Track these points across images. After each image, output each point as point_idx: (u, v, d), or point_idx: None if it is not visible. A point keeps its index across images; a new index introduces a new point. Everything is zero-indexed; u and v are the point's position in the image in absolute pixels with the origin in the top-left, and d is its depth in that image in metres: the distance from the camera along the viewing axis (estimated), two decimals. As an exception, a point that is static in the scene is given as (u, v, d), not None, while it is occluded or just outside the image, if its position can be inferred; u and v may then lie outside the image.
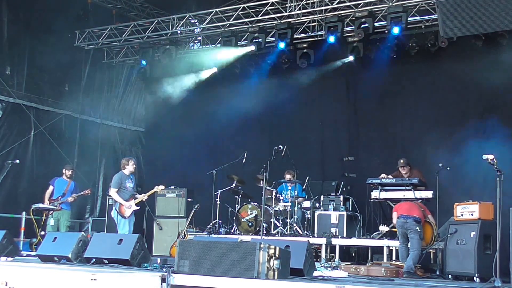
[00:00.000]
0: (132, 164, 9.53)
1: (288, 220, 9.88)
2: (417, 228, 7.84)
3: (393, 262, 8.33)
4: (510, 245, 5.91)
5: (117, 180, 9.37)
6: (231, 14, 11.99)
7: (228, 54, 12.55)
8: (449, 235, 7.58)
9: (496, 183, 6.09)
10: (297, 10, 11.39)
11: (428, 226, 8.22)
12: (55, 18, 12.72)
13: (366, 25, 10.84)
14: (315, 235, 9.64)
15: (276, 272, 5.22)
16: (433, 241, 8.13)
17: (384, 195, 9.20)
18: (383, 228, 8.92)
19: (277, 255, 5.25)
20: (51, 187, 10.39)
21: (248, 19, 11.86)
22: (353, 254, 9.97)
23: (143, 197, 9.41)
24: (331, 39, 11.10)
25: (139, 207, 9.43)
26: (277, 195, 10.23)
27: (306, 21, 11.84)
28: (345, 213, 9.73)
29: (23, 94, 12.75)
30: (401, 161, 9.31)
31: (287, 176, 10.55)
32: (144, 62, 13.48)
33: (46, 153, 12.91)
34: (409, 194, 8.87)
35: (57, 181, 10.47)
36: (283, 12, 11.50)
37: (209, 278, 5.16)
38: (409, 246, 8.00)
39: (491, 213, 7.22)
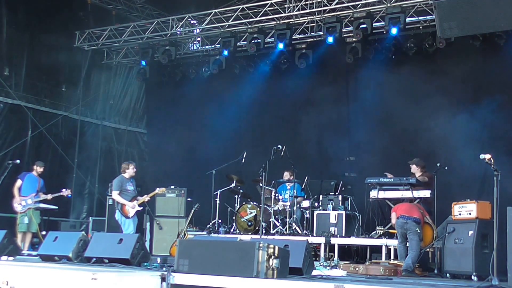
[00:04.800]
0: (132, 168, 9.64)
1: (287, 220, 9.91)
2: (417, 229, 7.87)
3: (392, 261, 8.36)
4: (508, 244, 5.93)
5: (118, 183, 9.50)
6: (230, 15, 12.03)
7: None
8: (447, 234, 7.61)
9: (494, 182, 6.14)
10: (296, 11, 11.43)
11: (428, 227, 8.23)
12: (54, 19, 12.77)
13: (365, 25, 10.90)
14: (314, 234, 9.66)
15: (275, 271, 5.25)
16: (433, 242, 8.15)
17: (383, 194, 9.22)
18: (380, 230, 8.92)
19: (276, 254, 5.28)
20: (19, 181, 10.16)
21: (247, 20, 11.90)
22: (352, 253, 10.00)
23: (145, 198, 9.53)
24: (330, 39, 11.17)
25: (141, 208, 9.55)
26: (276, 195, 10.27)
27: (304, 22, 11.88)
28: (344, 212, 9.76)
29: (22, 94, 12.78)
30: (409, 163, 9.19)
31: (286, 175, 10.60)
32: (143, 63, 13.50)
33: (44, 154, 12.93)
34: (407, 194, 8.89)
35: (28, 177, 10.24)
36: (282, 13, 11.55)
37: (209, 277, 5.20)
38: (408, 245, 8.04)
39: (488, 212, 7.25)
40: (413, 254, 7.73)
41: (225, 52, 12.38)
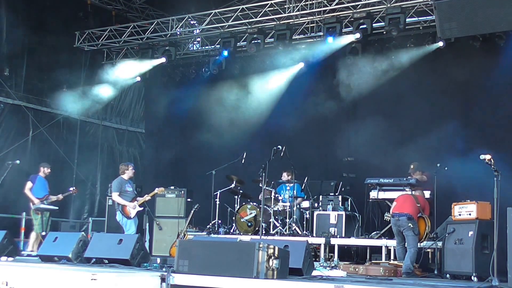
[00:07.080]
0: (131, 169, 9.67)
1: (287, 220, 9.92)
2: (410, 224, 7.78)
3: (392, 261, 8.36)
4: (508, 245, 5.94)
5: (117, 184, 9.53)
6: (230, 15, 12.03)
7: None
8: (447, 235, 7.62)
9: (494, 183, 6.14)
10: (296, 11, 11.43)
11: (422, 221, 8.09)
12: (54, 19, 12.77)
13: (365, 26, 10.90)
14: (314, 235, 9.67)
15: (275, 272, 5.26)
16: (425, 237, 8.07)
17: (382, 195, 9.23)
18: (388, 216, 8.76)
19: (276, 255, 5.29)
20: (30, 183, 10.20)
21: (247, 20, 11.90)
22: (352, 254, 10.00)
23: (145, 198, 9.54)
24: (330, 40, 11.14)
25: (142, 208, 9.56)
26: (276, 195, 10.27)
27: (304, 22, 11.88)
28: (343, 213, 9.77)
29: (22, 95, 12.78)
30: (411, 166, 9.19)
31: (285, 176, 10.60)
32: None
33: (45, 154, 12.91)
34: (407, 194, 8.88)
35: (38, 179, 10.32)
36: (282, 13, 11.54)
37: (209, 278, 5.20)
38: (406, 246, 8.01)
39: (488, 212, 7.26)
40: (411, 252, 7.68)
41: (225, 53, 12.37)
